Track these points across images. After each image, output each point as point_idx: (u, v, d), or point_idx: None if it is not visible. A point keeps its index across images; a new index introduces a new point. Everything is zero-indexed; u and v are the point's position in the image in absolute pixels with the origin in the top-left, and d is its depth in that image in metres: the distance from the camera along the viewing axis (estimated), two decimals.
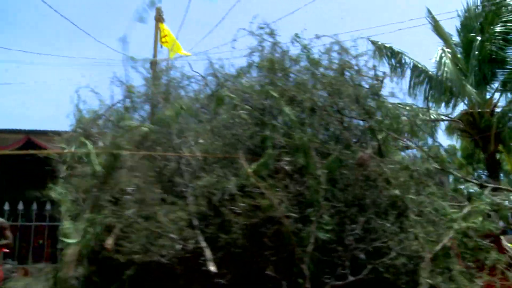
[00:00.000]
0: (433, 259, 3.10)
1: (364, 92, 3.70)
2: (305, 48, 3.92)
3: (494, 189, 4.22)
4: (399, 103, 13.55)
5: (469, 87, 12.83)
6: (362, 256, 2.89)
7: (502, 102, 14.00)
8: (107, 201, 3.31)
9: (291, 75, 3.65)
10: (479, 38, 13.69)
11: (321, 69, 3.64)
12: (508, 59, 13.83)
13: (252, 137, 3.48)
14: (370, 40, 14.28)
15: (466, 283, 3.01)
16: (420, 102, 14.18)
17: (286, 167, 3.11)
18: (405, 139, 4.14)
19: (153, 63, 11.18)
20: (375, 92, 3.70)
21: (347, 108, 3.80)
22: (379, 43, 14.42)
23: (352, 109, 3.72)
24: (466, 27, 14.52)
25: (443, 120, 14.40)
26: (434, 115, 13.39)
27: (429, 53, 14.19)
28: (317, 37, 3.70)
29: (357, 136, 3.94)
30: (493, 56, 13.73)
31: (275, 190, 2.95)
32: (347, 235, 2.92)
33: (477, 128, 13.82)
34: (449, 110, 14.56)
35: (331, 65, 3.64)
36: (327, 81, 3.54)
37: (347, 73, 3.69)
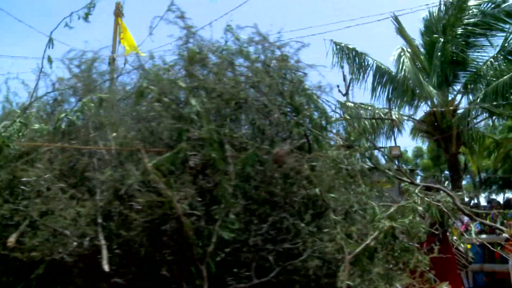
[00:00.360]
0: (353, 261, 2.96)
1: (289, 85, 3.52)
2: (237, 39, 3.75)
3: (428, 188, 4.12)
4: (361, 103, 13.68)
5: (430, 87, 12.94)
6: (271, 258, 2.71)
7: (463, 104, 14.22)
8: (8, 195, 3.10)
9: (212, 66, 3.44)
10: (441, 40, 13.84)
11: (241, 60, 3.45)
12: (469, 61, 14.04)
13: (169, 130, 3.27)
14: (333, 42, 14.36)
15: (383, 286, 2.86)
16: (384, 103, 14.27)
17: (196, 162, 2.90)
18: (337, 137, 4.00)
19: (111, 60, 10.90)
20: (300, 86, 3.53)
21: (273, 102, 3.63)
22: (342, 44, 14.45)
23: (277, 103, 3.55)
24: (429, 29, 14.68)
25: (406, 120, 14.50)
26: (396, 116, 13.47)
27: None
28: (240, 27, 3.50)
29: (287, 132, 3.78)
30: (455, 58, 13.91)
31: (179, 186, 2.75)
32: (254, 235, 2.73)
33: (439, 129, 13.97)
34: (412, 111, 14.70)
35: (251, 56, 3.46)
36: (248, 73, 3.35)
37: (270, 65, 3.51)
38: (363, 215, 3.40)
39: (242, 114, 3.61)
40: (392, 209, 3.28)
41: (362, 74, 14.51)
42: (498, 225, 5.41)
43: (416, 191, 3.68)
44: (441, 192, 4.26)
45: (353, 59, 14.58)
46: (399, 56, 13.23)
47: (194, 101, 2.83)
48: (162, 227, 2.68)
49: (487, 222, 5.54)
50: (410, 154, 26.25)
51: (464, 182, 25.36)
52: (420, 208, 3.60)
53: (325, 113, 3.57)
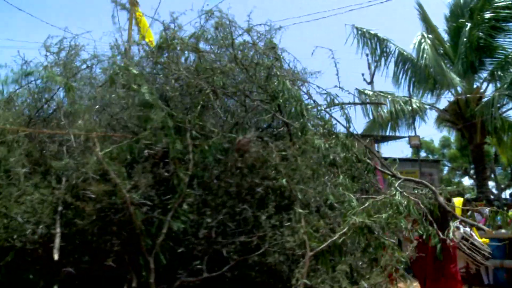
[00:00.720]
0: (318, 258, 2.81)
1: (263, 72, 3.36)
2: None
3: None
4: (380, 92, 13.25)
5: (452, 74, 12.37)
6: (224, 251, 2.58)
7: (489, 92, 13.54)
8: None
9: (179, 53, 3.32)
10: (468, 25, 13.18)
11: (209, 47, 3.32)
12: (496, 47, 13.32)
13: (134, 118, 3.18)
14: (354, 27, 13.90)
15: (347, 284, 2.69)
16: (406, 91, 13.73)
17: (154, 152, 2.80)
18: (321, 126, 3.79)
19: (126, 49, 10.93)
20: (271, 72, 3.35)
21: (248, 90, 3.49)
22: (364, 29, 13.97)
23: (252, 91, 3.41)
24: (455, 13, 14.00)
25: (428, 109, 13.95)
26: (417, 104, 12.96)
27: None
28: (208, 13, 3.35)
29: (266, 121, 3.63)
30: (481, 44, 13.22)
31: (135, 175, 2.66)
32: (205, 226, 2.61)
33: (463, 118, 13.39)
34: (434, 99, 14.11)
35: (220, 43, 3.31)
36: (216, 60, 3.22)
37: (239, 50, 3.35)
38: (339, 209, 3.24)
39: (216, 101, 3.48)
40: (366, 204, 3.08)
41: (384, 60, 13.99)
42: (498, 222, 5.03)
43: (396, 185, 3.46)
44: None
45: (374, 45, 14.09)
46: (420, 43, 12.65)
47: (145, 88, 2.71)
48: (111, 217, 2.60)
49: (468, 220, 5.19)
50: (436, 143, 25.35)
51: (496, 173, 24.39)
52: (403, 202, 3.40)
53: (300, 100, 3.38)
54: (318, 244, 2.79)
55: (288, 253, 2.73)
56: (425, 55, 12.31)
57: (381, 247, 3.05)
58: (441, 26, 14.49)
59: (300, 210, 2.85)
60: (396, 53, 13.86)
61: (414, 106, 12.46)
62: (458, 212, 5.09)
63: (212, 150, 2.89)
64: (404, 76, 13.86)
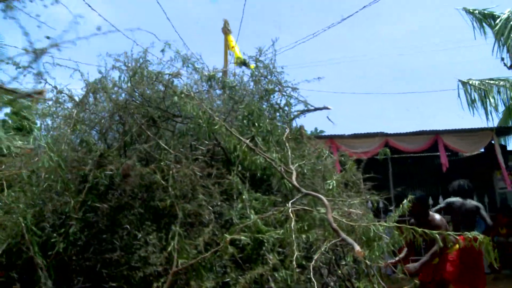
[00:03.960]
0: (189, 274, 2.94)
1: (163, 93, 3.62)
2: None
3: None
4: (491, 79, 11.43)
5: None
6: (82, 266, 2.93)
7: None
8: None
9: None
10: None
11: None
12: None
13: None
14: (464, 9, 12.47)
15: None
16: None
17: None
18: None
19: (224, 73, 11.94)
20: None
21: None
22: (476, 11, 12.38)
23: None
24: None
25: None
26: None
27: None
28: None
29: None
30: None
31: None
32: (85, 245, 3.00)
33: None
34: None
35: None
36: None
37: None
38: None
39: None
40: (250, 221, 3.03)
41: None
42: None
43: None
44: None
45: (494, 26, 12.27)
46: None
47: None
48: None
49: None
50: None
51: None
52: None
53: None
54: (187, 260, 2.92)
55: (156, 269, 2.92)
56: None
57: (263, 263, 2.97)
58: None
59: (177, 228, 3.02)
60: None
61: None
62: None
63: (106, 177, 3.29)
64: None
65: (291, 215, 3.03)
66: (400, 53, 42.01)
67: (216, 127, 3.46)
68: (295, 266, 2.82)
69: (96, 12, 12.02)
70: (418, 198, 5.07)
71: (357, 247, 2.56)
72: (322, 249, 2.96)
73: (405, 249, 5.31)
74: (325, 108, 4.05)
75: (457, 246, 5.46)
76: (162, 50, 3.84)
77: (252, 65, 4.44)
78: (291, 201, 3.17)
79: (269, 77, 4.21)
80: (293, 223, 2.99)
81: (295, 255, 2.79)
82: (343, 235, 2.77)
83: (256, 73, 4.21)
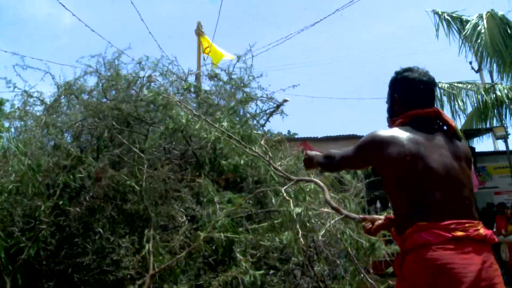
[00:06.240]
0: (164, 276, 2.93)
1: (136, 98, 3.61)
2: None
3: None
4: (459, 82, 11.77)
5: None
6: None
7: None
8: None
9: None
10: None
11: None
12: None
13: None
14: (434, 12, 12.77)
15: None
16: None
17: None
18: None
19: (197, 76, 11.85)
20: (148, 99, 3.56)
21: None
22: (445, 13, 12.73)
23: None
24: None
25: None
26: (506, 91, 11.20)
27: None
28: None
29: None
30: None
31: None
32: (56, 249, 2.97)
33: None
34: None
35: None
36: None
37: None
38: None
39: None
40: (220, 218, 3.03)
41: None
42: None
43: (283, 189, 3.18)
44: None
45: (460, 30, 12.66)
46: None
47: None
48: None
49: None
50: None
51: None
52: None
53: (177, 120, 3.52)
54: (162, 263, 2.92)
55: (129, 273, 2.90)
56: None
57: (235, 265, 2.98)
58: None
59: (151, 231, 3.01)
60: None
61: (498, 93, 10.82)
62: None
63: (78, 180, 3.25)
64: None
65: None
66: (374, 57, 42.68)
67: (197, 126, 3.43)
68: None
69: (70, 12, 11.77)
70: None
71: (360, 218, 2.47)
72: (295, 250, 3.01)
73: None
74: (285, 101, 4.27)
75: None
76: (139, 63, 3.83)
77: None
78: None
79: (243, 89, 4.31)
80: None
81: None
82: (345, 211, 2.67)
83: (228, 87, 4.28)
